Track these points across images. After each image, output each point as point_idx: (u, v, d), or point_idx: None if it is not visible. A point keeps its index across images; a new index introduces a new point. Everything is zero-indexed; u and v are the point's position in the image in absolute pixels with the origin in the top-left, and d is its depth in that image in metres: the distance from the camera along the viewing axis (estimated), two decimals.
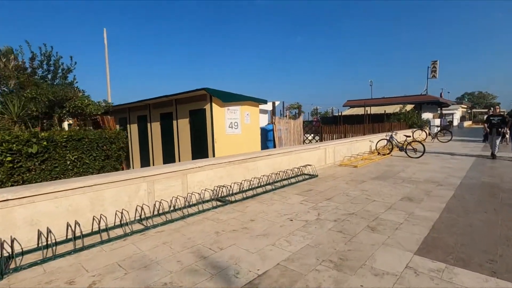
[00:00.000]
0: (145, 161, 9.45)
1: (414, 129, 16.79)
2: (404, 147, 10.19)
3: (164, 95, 7.67)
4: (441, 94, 32.10)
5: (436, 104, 30.87)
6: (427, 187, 5.73)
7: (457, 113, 42.41)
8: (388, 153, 10.54)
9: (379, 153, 10.61)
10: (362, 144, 10.66)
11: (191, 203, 4.53)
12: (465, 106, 50.43)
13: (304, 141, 10.35)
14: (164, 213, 4.18)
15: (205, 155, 6.93)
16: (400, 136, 14.30)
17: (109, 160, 6.10)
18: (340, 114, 28.13)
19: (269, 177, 6.19)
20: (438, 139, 15.74)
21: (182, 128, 7.63)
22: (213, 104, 6.71)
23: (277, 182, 6.14)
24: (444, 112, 35.80)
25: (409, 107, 22.37)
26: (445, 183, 6.06)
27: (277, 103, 11.20)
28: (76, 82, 12.16)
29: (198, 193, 4.79)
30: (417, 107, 25.95)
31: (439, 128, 16.49)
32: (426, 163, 8.66)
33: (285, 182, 6.15)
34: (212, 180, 5.15)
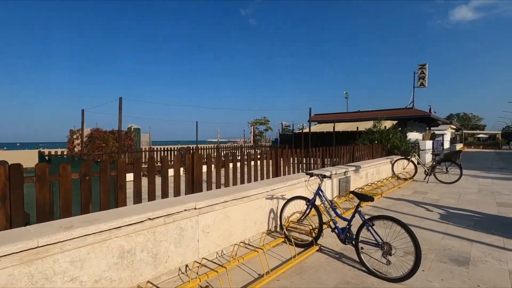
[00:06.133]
0: None
1: (396, 158, 9.90)
2: (355, 236, 3.09)
3: None
4: (430, 110, 25.99)
5: (425, 122, 24.64)
6: None
7: (447, 133, 36.58)
8: (308, 249, 3.43)
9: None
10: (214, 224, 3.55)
11: None
12: (454, 127, 44.99)
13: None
14: None
15: None
16: (357, 177, 7.23)
17: None
18: (302, 130, 21.39)
19: None
20: (436, 177, 8.87)
21: None
22: None
23: None
24: (433, 132, 29.67)
25: (388, 123, 15.76)
26: None
27: None
28: None
29: None
30: (401, 123, 19.43)
31: (435, 157, 9.65)
32: None
33: None
34: None
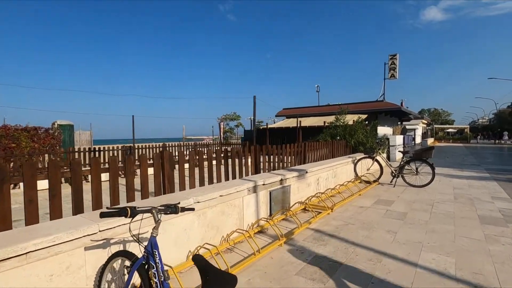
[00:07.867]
0: None
1: (359, 156, 8.30)
2: None
3: None
4: (401, 103, 25.17)
5: (397, 116, 23.76)
6: None
7: (419, 128, 36.40)
8: None
9: None
10: None
11: None
12: (426, 122, 45.28)
13: None
14: None
15: None
16: (303, 185, 5.47)
17: None
18: (266, 125, 19.61)
19: None
20: (404, 180, 7.36)
21: None
22: None
23: None
24: (404, 126, 29.05)
25: (354, 117, 14.30)
26: None
27: None
28: None
29: None
30: (372, 117, 18.17)
31: (403, 155, 8.09)
32: None
33: None
34: None
